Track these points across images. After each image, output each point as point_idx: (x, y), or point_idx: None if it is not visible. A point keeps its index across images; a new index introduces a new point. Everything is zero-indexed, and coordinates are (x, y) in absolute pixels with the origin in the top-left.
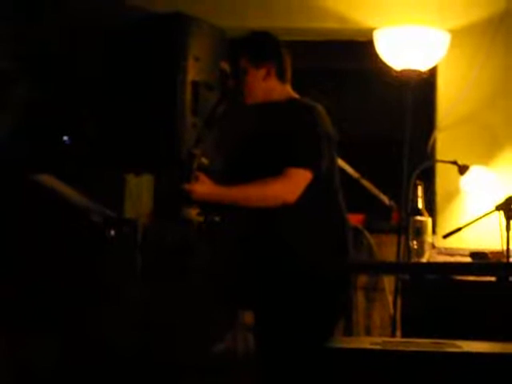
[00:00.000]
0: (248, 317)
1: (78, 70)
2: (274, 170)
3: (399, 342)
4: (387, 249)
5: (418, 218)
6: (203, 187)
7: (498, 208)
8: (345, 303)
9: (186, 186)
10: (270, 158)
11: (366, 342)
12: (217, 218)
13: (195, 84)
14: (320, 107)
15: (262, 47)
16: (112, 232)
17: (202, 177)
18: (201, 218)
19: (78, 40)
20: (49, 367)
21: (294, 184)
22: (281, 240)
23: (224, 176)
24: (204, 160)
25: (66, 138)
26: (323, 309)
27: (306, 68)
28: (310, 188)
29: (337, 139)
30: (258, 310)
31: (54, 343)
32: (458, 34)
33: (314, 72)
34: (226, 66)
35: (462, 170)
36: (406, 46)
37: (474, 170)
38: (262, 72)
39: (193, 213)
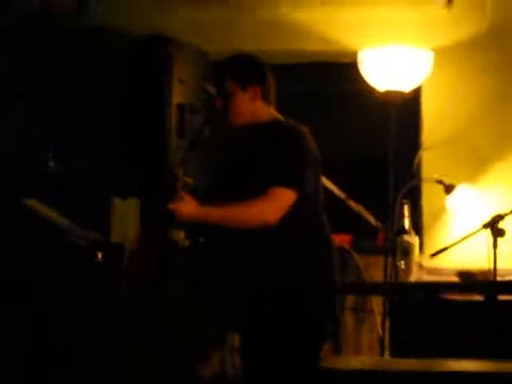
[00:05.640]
0: (235, 339)
1: (64, 94)
2: (259, 190)
3: (389, 362)
4: (374, 269)
5: (405, 237)
6: (187, 207)
7: (485, 226)
8: (331, 323)
9: (171, 206)
10: (255, 178)
11: (355, 362)
12: (201, 240)
13: (180, 106)
14: (304, 128)
15: (248, 69)
16: (99, 256)
17: (187, 197)
18: (186, 241)
19: (65, 64)
20: None
21: (276, 204)
22: (264, 261)
23: (210, 197)
24: (188, 180)
25: (51, 163)
26: (309, 329)
27: (289, 91)
28: (294, 209)
29: (321, 160)
30: (245, 332)
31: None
32: (441, 53)
33: (297, 95)
34: (211, 87)
35: (448, 189)
36: (389, 66)
37: (460, 189)
38: (249, 94)
39: (180, 235)
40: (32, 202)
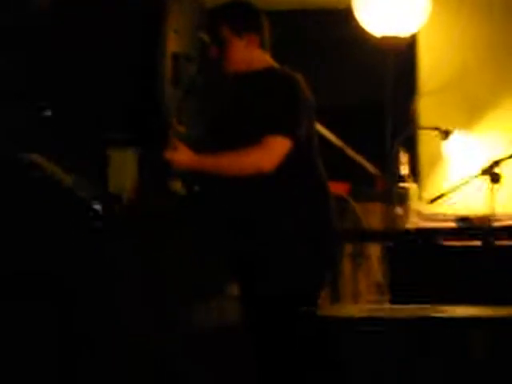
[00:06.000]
0: (234, 287)
1: (56, 44)
2: (254, 139)
3: (386, 309)
4: (372, 216)
5: (403, 184)
6: (182, 156)
7: (483, 172)
8: (330, 271)
9: (166, 156)
10: (250, 127)
11: (353, 310)
12: (196, 188)
13: (175, 56)
14: (299, 76)
15: (243, 16)
16: (98, 207)
17: (181, 146)
18: (183, 190)
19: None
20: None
21: (272, 152)
22: (261, 210)
23: (205, 145)
24: (180, 128)
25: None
26: (307, 278)
27: (284, 38)
28: (288, 156)
29: (315, 108)
30: (243, 280)
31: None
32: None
33: (293, 42)
34: (205, 36)
35: (445, 135)
36: (386, 11)
37: (456, 135)
38: (244, 41)
39: (177, 184)
40: (35, 157)
